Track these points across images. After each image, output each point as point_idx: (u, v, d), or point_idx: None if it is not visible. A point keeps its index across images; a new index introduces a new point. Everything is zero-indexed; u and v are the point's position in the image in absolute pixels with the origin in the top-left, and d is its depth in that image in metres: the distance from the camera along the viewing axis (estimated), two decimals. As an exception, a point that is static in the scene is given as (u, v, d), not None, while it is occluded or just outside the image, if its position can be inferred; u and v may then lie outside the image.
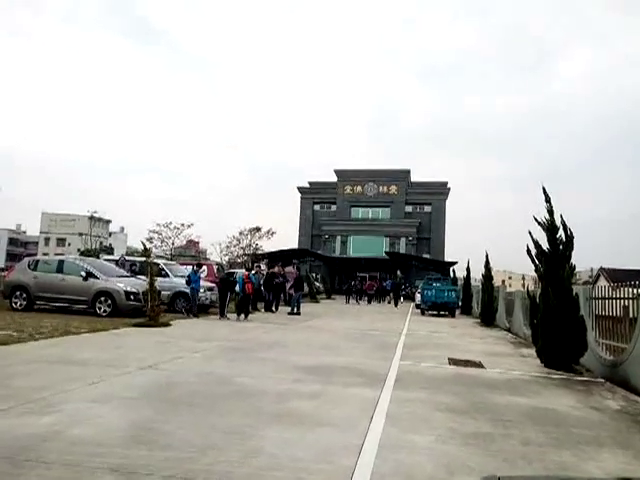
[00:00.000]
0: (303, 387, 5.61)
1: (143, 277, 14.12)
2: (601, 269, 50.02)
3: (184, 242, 51.23)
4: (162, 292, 13.93)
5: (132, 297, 13.32)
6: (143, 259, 15.62)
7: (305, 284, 23.60)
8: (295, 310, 17.47)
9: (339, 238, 50.93)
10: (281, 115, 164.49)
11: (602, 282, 39.22)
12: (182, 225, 47.25)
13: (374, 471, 3.18)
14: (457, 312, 22.66)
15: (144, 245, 14.62)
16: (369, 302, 31.61)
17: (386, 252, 44.04)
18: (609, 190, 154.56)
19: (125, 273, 15.23)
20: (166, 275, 15.92)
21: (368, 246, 48.40)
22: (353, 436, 3.89)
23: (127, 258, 19.84)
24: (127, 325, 11.01)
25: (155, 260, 16.17)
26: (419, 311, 22.72)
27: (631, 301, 6.96)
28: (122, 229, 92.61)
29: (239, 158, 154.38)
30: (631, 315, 6.90)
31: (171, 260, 29.85)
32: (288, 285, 20.59)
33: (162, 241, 47.14)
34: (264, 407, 4.64)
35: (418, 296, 24.03)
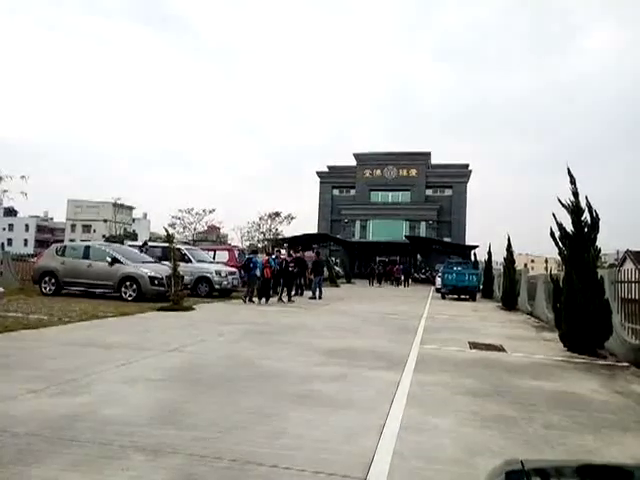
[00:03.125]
0: (325, 370, 5.68)
1: (167, 262, 14.40)
2: (627, 252, 48.67)
3: (205, 228, 51.82)
4: (185, 277, 14.19)
5: (156, 282, 13.60)
6: (166, 245, 15.90)
7: (325, 268, 23.73)
8: (316, 294, 17.62)
9: (358, 222, 50.73)
10: (299, 100, 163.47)
11: (628, 265, 38.23)
12: (203, 211, 47.82)
13: (395, 452, 3.23)
14: (478, 296, 22.46)
15: (167, 231, 14.89)
16: (397, 284, 34.07)
17: (406, 236, 43.72)
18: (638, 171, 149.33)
19: (149, 259, 15.53)
20: (189, 260, 16.17)
21: (388, 230, 48.13)
22: (374, 418, 3.95)
23: (150, 244, 20.20)
24: (152, 309, 11.27)
25: (178, 245, 16.43)
26: (439, 295, 22.60)
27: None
28: (145, 215, 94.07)
29: (258, 144, 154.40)
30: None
31: (193, 245, 30.27)
32: (308, 270, 20.73)
33: (184, 227, 47.84)
34: (287, 389, 4.74)
35: (438, 280, 23.87)
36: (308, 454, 3.14)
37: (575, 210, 7.88)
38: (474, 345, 8.12)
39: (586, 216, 7.84)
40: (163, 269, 13.95)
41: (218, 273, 16.28)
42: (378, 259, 46.79)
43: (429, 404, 4.45)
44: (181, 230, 47.24)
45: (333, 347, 7.27)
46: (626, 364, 6.98)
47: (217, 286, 16.09)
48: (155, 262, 15.15)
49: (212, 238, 56.12)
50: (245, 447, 3.22)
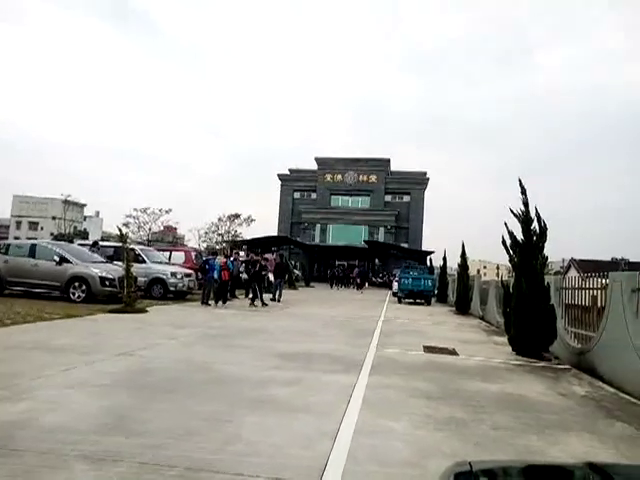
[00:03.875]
0: (282, 374, 5.65)
1: (119, 263, 13.89)
2: (572, 260, 51.41)
3: (161, 228, 50.44)
4: (139, 278, 13.75)
5: (107, 283, 13.11)
6: (119, 244, 15.35)
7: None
8: (276, 297, 17.56)
9: (319, 226, 50.94)
10: (264, 103, 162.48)
11: (572, 272, 40.39)
12: (160, 210, 46.52)
13: (350, 455, 3.24)
14: (433, 300, 23.04)
15: (120, 230, 14.32)
16: (357, 288, 34.30)
17: (365, 241, 44.29)
18: (586, 183, 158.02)
19: (100, 259, 14.94)
20: (143, 261, 15.70)
21: (347, 234, 48.59)
22: (330, 422, 3.96)
23: (102, 243, 19.45)
24: (102, 311, 10.85)
25: (131, 246, 15.90)
26: (396, 299, 23.01)
27: (599, 291, 7.20)
28: (97, 213, 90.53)
29: (220, 145, 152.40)
30: (599, 305, 7.14)
31: (148, 246, 29.42)
32: (268, 272, 20.59)
33: (139, 226, 46.36)
34: (243, 394, 4.67)
35: (395, 284, 24.30)
36: (263, 460, 3.11)
37: (525, 219, 8.24)
38: (428, 349, 8.31)
39: (535, 225, 8.21)
40: (115, 269, 13.46)
41: (173, 275, 15.88)
42: (337, 263, 47.14)
43: (384, 407, 4.50)
44: (136, 230, 45.78)
45: (290, 351, 7.24)
46: (568, 367, 7.35)
47: (172, 288, 15.69)
48: (107, 262, 14.60)
49: (168, 239, 54.71)
50: (199, 454, 3.14)
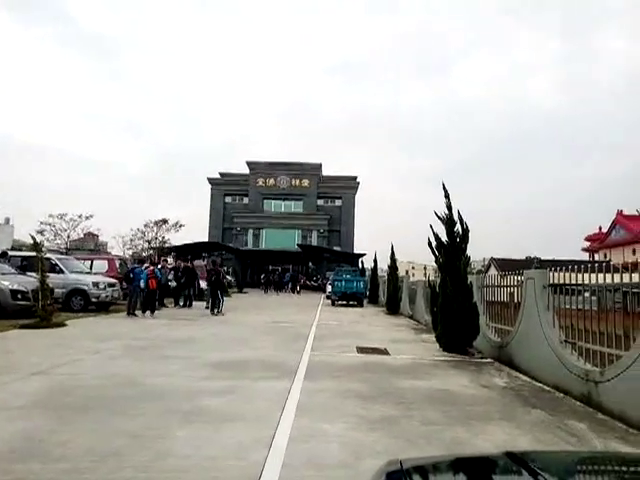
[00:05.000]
0: (214, 384, 5.50)
1: (33, 274, 12.83)
2: (492, 259, 54.91)
3: (82, 235, 47.24)
4: (56, 290, 12.80)
5: (19, 296, 12.06)
6: (32, 254, 14.18)
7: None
8: (210, 305, 17.19)
9: (251, 231, 50.33)
10: (190, 105, 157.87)
11: (492, 271, 43.16)
12: (79, 216, 43.50)
13: (285, 463, 3.22)
14: (365, 302, 23.59)
15: (34, 238, 13.24)
16: (294, 292, 35.11)
17: (298, 245, 44.44)
18: (509, 185, 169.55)
19: (10, 270, 13.72)
20: (60, 271, 14.62)
21: (281, 239, 48.45)
22: (264, 429, 3.91)
23: (12, 253, 17.87)
24: (14, 327, 9.96)
25: (47, 255, 14.74)
26: (330, 302, 23.29)
27: (515, 288, 7.75)
28: (7, 220, 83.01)
29: (142, 147, 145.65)
30: (516, 300, 7.68)
31: (66, 255, 27.45)
32: (200, 280, 20.06)
33: (56, 234, 43.08)
34: (173, 407, 4.48)
35: (329, 287, 24.60)
36: (196, 474, 3.00)
37: (449, 222, 8.68)
38: (361, 349, 8.48)
39: (458, 227, 8.67)
40: (29, 281, 12.42)
41: (95, 285, 14.94)
42: (271, 268, 46.83)
43: (319, 411, 4.53)
44: (52, 238, 42.48)
45: (222, 360, 7.07)
46: (491, 360, 7.83)
47: (94, 299, 14.75)
48: (18, 274, 13.43)
49: (89, 247, 51.42)
50: (125, 474, 2.97)
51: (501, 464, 1.24)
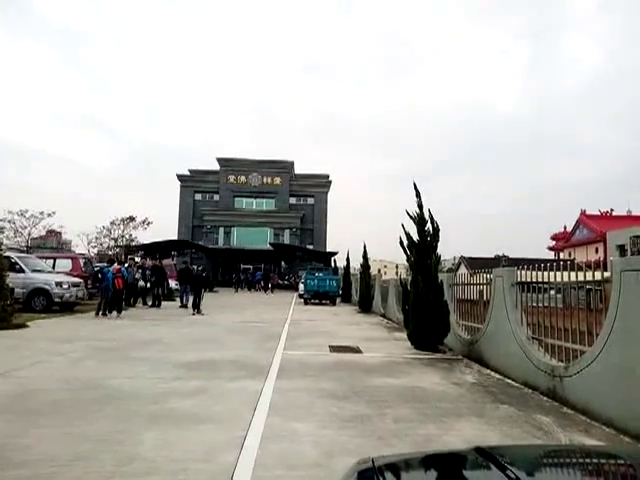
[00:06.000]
0: (183, 385, 5.38)
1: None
2: (462, 258, 56.05)
3: (43, 233, 45.61)
4: (16, 289, 12.31)
5: (-22, 296, 11.51)
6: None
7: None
8: (184, 303, 17.03)
9: (222, 229, 49.71)
10: (160, 103, 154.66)
11: (462, 269, 44.07)
12: (41, 213, 41.98)
13: (257, 463, 3.17)
14: (338, 300, 23.67)
15: (-7, 236, 12.69)
16: (265, 291, 34.76)
17: (270, 243, 44.18)
18: (478, 186, 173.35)
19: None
20: (21, 270, 14.06)
21: (253, 237, 48.07)
22: (236, 430, 3.84)
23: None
24: (-29, 329, 9.51)
25: (7, 253, 14.14)
26: (302, 300, 23.26)
27: (485, 286, 7.90)
28: (-36, 217, 79.42)
29: (108, 142, 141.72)
30: (485, 298, 7.84)
31: (27, 253, 26.46)
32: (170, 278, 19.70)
33: (15, 231, 41.46)
34: (140, 410, 4.35)
35: (301, 286, 24.57)
36: (162, 478, 2.91)
37: (420, 221, 8.77)
38: (334, 348, 8.48)
39: (429, 226, 8.78)
40: (-12, 281, 11.87)
41: (59, 284, 14.43)
42: (243, 267, 46.43)
43: (291, 411, 4.48)
44: (12, 235, 40.86)
45: (192, 360, 6.93)
46: (461, 357, 7.96)
47: (57, 299, 14.25)
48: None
49: (52, 244, 49.68)
50: (90, 478, 2.85)
51: (471, 459, 1.25)
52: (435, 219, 8.77)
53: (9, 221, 39.99)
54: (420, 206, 8.81)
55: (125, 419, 4.06)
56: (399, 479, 1.20)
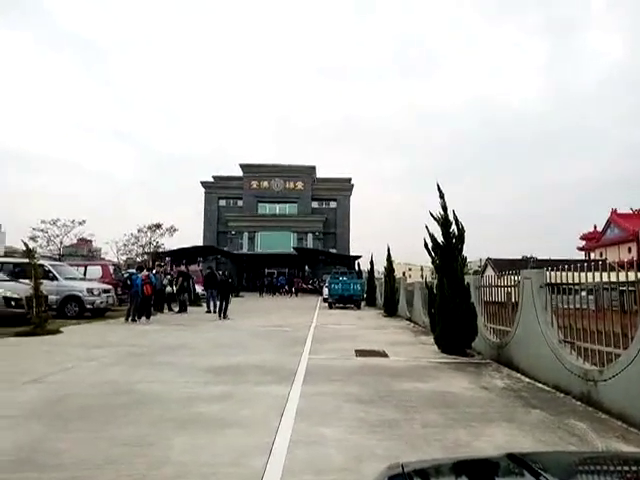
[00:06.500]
0: (211, 389, 5.44)
1: (26, 281, 12.72)
2: (488, 259, 55.08)
3: (75, 241, 46.96)
4: (50, 296, 12.69)
5: (13, 303, 11.94)
6: (24, 260, 14.06)
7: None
8: (211, 308, 17.23)
9: (246, 234, 50.23)
10: (181, 110, 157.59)
11: (489, 271, 43.30)
12: (72, 222, 43.26)
13: (285, 468, 3.17)
14: (362, 304, 23.57)
15: (26, 245, 13.15)
16: (290, 295, 35.60)
17: (294, 247, 44.38)
18: (502, 187, 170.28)
19: (4, 277, 13.59)
20: (54, 278, 14.50)
21: (276, 242, 48.38)
22: (263, 435, 3.86)
23: (2, 260, 17.73)
24: (8, 335, 9.85)
25: (40, 261, 14.63)
26: (327, 305, 23.25)
27: (513, 288, 7.74)
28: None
29: (132, 152, 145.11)
30: (513, 300, 7.67)
31: (60, 261, 27.28)
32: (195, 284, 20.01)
33: (48, 240, 42.82)
34: (169, 414, 4.42)
35: (326, 290, 24.58)
36: (193, 483, 2.94)
37: (444, 223, 8.66)
38: (360, 352, 8.44)
39: (454, 228, 8.66)
40: (22, 288, 12.29)
41: (90, 291, 14.84)
42: (267, 271, 46.76)
43: (318, 415, 4.48)
44: (45, 244, 42.20)
45: (219, 365, 7.01)
46: (489, 361, 7.81)
47: (89, 306, 14.65)
48: (11, 281, 13.30)
49: (83, 252, 51.08)
50: (121, 484, 2.91)
51: (503, 466, 1.23)
52: (460, 221, 8.65)
53: (42, 230, 41.31)
54: (444, 208, 8.70)
55: (154, 423, 4.13)
56: None
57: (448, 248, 8.58)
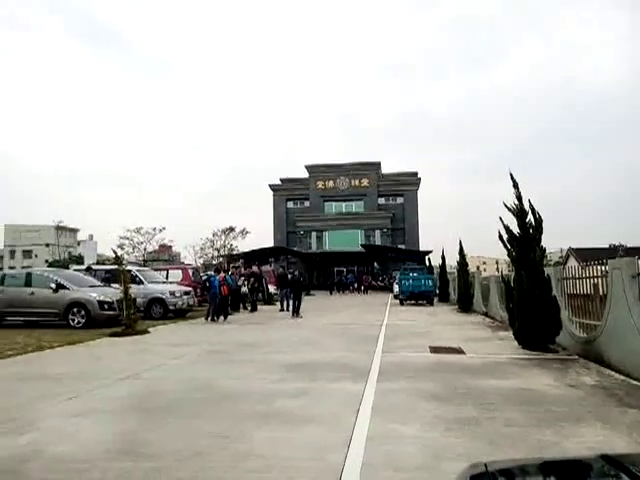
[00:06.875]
0: (287, 386, 5.59)
1: (115, 285, 13.81)
2: (570, 249, 51.56)
3: (156, 247, 50.27)
4: (137, 299, 13.67)
5: (106, 306, 13.01)
6: (113, 267, 15.28)
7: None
8: (284, 307, 17.62)
9: (314, 234, 50.89)
10: (244, 114, 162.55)
11: (572, 262, 40.50)
12: (153, 230, 46.40)
13: (364, 464, 3.19)
14: (435, 300, 23.00)
15: (115, 253, 14.29)
16: (362, 292, 35.60)
17: (362, 245, 44.28)
18: (580, 172, 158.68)
19: (97, 282, 14.86)
20: (140, 282, 15.61)
21: (344, 240, 48.56)
22: (340, 431, 3.91)
23: (95, 267, 19.35)
24: (103, 335, 10.75)
25: (127, 267, 15.82)
26: (397, 301, 22.96)
27: (600, 279, 7.20)
28: (91, 237, 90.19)
29: (205, 159, 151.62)
30: (601, 292, 7.13)
31: (144, 266, 29.29)
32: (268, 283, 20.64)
33: (134, 247, 46.21)
34: (249, 409, 4.61)
35: (396, 287, 24.26)
36: (276, 475, 3.05)
37: (520, 213, 8.24)
38: (434, 349, 8.26)
39: (530, 218, 8.21)
40: (113, 292, 13.37)
41: (172, 293, 15.80)
42: (336, 269, 47.06)
43: (394, 412, 4.45)
44: (130, 250, 45.60)
45: (293, 362, 7.18)
46: (576, 357, 7.32)
47: (172, 307, 15.60)
48: (104, 286, 14.50)
49: (164, 257, 54.48)
50: (209, 473, 3.09)
51: (596, 467, 1.15)
52: (537, 210, 8.18)
53: (127, 238, 44.60)
54: (519, 197, 8.28)
55: (236, 418, 4.32)
56: None
57: (525, 239, 8.15)
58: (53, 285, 13.16)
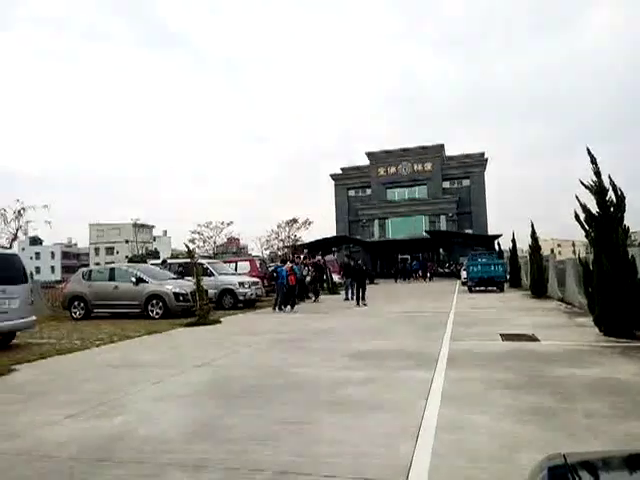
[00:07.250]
0: (356, 373, 5.65)
1: (189, 277, 14.55)
2: (658, 227, 47.21)
3: (225, 240, 52.18)
4: (209, 291, 14.33)
5: (181, 298, 13.77)
6: (186, 260, 16.08)
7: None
8: (349, 296, 17.65)
9: (377, 222, 50.44)
10: (304, 104, 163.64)
11: (660, 241, 37.01)
12: (222, 223, 48.13)
13: (434, 452, 3.17)
14: (506, 286, 22.07)
15: (187, 247, 15.05)
16: (424, 280, 34.94)
17: (426, 231, 43.29)
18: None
19: (172, 275, 15.75)
20: (211, 274, 16.32)
21: (407, 227, 47.76)
22: (410, 419, 3.90)
23: (170, 261, 20.48)
24: (179, 325, 11.41)
25: (199, 260, 16.61)
26: (466, 288, 22.28)
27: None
28: (165, 233, 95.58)
29: (268, 152, 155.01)
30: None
31: (214, 258, 30.56)
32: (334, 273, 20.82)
33: (204, 241, 48.20)
34: (319, 396, 4.71)
35: (464, 273, 23.53)
36: (346, 461, 3.11)
37: (598, 190, 7.68)
38: (505, 337, 7.96)
39: (610, 195, 7.63)
40: (187, 285, 14.10)
41: (241, 284, 16.40)
42: (400, 257, 46.47)
43: (464, 401, 4.37)
44: (201, 244, 47.65)
45: (360, 350, 7.22)
46: (666, 344, 6.75)
47: (241, 297, 16.20)
48: (178, 278, 15.34)
49: (232, 250, 56.48)
50: (283, 457, 3.21)
51: None
52: (618, 187, 7.57)
53: (198, 232, 46.69)
54: (597, 173, 7.71)
55: (307, 404, 4.44)
56: (598, 479, 1.09)
57: (605, 219, 7.60)
58: (134, 279, 14.14)
